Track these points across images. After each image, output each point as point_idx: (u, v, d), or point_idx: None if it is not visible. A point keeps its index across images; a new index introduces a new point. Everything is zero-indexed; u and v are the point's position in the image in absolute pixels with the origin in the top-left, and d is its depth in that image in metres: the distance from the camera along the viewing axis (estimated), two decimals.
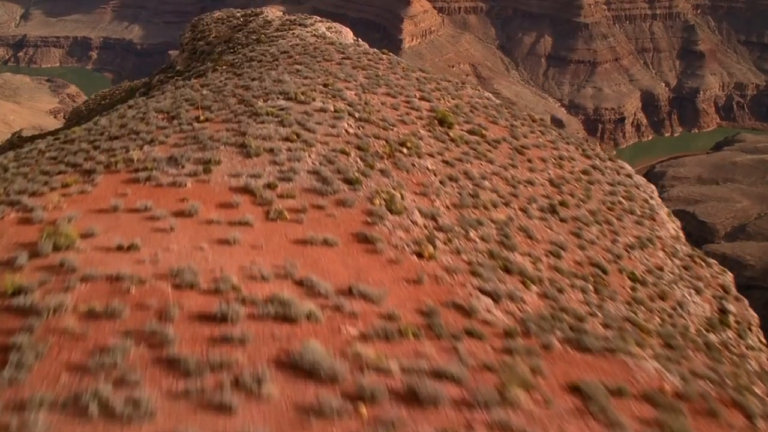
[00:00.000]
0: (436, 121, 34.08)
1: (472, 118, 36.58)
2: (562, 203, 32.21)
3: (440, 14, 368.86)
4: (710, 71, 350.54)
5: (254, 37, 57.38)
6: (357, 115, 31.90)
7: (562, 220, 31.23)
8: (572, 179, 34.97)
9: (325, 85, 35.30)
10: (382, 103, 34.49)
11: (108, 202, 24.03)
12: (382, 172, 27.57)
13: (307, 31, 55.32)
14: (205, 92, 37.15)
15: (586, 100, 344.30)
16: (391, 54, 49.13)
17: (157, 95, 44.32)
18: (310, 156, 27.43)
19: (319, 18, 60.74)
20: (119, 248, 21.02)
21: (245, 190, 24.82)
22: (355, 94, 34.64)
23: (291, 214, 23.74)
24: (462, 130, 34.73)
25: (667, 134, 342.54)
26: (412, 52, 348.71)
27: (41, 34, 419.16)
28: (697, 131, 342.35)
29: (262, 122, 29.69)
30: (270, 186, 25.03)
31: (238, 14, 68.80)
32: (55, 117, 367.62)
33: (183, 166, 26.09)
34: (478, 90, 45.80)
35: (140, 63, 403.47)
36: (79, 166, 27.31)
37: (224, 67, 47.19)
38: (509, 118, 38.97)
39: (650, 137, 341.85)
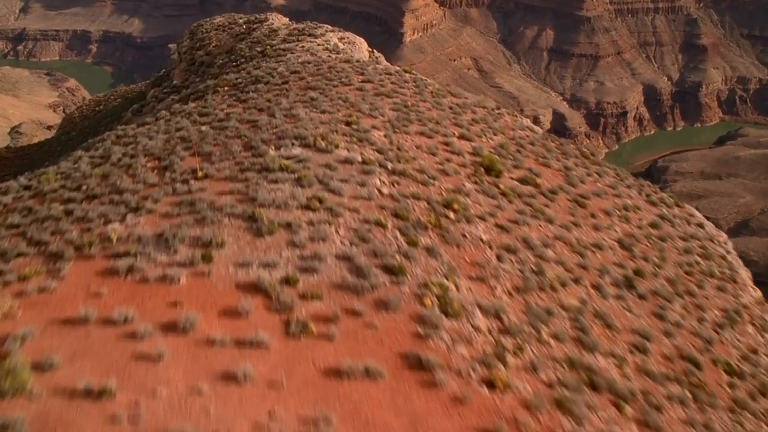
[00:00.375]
0: (482, 169, 27.91)
1: (521, 161, 30.38)
2: (638, 272, 26.15)
3: (441, 7, 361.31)
4: (713, 65, 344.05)
5: (259, 49, 51.07)
6: (390, 166, 25.73)
7: (641, 297, 25.17)
8: (642, 237, 28.87)
9: (347, 123, 29.05)
10: (416, 147, 28.27)
11: (76, 309, 17.90)
12: (429, 251, 21.44)
13: (318, 43, 49.00)
14: (203, 128, 30.92)
15: (588, 94, 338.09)
16: (415, 73, 42.87)
17: (149, 123, 38.06)
18: (337, 231, 21.28)
19: (329, 27, 54.32)
20: (87, 393, 14.98)
21: (257, 287, 18.69)
22: (384, 136, 28.42)
23: (318, 326, 17.64)
24: (512, 178, 28.57)
25: (669, 128, 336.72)
26: (413, 45, 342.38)
27: (40, 28, 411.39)
28: (699, 125, 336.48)
29: (275, 181, 23.51)
30: (289, 281, 18.91)
31: (241, 21, 62.29)
32: (54, 111, 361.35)
33: (176, 251, 19.94)
34: (516, 117, 39.60)
35: (140, 56, 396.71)
36: (45, 245, 21.13)
37: (226, 88, 40.95)
38: (560, 157, 32.80)
39: (652, 131, 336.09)
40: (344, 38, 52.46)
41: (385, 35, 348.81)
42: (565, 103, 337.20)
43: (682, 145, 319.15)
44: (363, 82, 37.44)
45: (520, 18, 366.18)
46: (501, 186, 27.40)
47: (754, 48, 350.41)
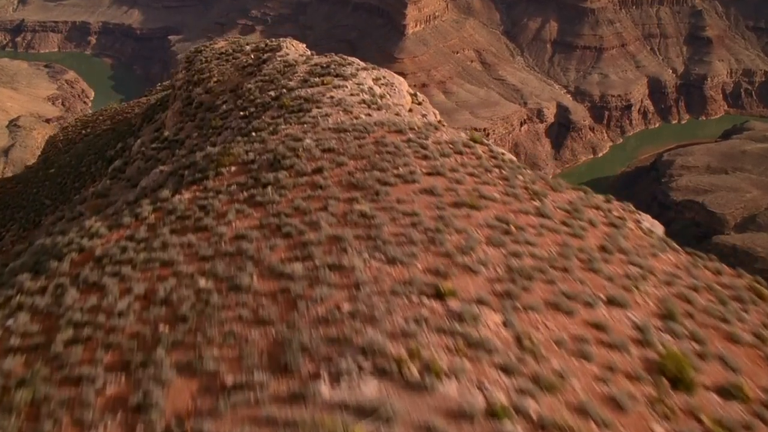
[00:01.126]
0: (665, 382, 16.22)
1: (701, 338, 18.57)
2: None
3: None
4: (718, 57, 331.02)
5: (273, 93, 39.02)
6: (532, 409, 14.00)
7: None
8: None
9: (437, 296, 17.23)
10: (557, 343, 16.44)
11: None
12: None
13: (349, 90, 36.96)
14: (201, 283, 19.16)
15: (593, 86, 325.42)
16: (487, 142, 31.02)
17: (126, 225, 26.33)
18: None
19: (359, 63, 42.10)
20: None
21: None
22: (504, 324, 16.62)
23: None
24: (707, 387, 16.88)
25: (674, 121, 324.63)
26: (416, 38, 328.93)
27: (39, 19, 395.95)
28: (704, 118, 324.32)
29: None
30: None
31: (248, 47, 49.80)
32: (53, 104, 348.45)
33: None
34: (635, 214, 27.88)
35: (140, 48, 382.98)
36: None
37: (233, 168, 29.14)
38: (740, 312, 21.16)
39: (657, 124, 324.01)
40: (380, 79, 40.35)
41: (387, 27, 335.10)
42: (569, 95, 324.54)
43: (687, 138, 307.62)
44: (430, 174, 25.52)
45: (523, 9, 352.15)
46: (703, 418, 15.67)
47: (760, 40, 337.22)
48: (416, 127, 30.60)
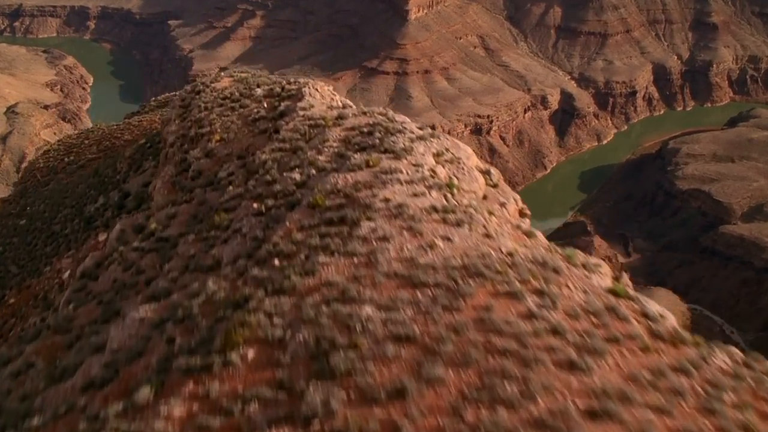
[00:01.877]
0: None
1: None
2: None
3: None
4: (723, 44, 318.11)
5: (297, 177, 27.53)
6: None
7: None
8: None
9: None
10: None
11: None
12: None
13: (408, 182, 25.52)
14: None
15: (597, 73, 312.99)
16: (631, 294, 19.80)
17: None
18: None
19: (413, 129, 30.38)
20: None
21: None
22: None
23: None
24: None
25: (679, 108, 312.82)
26: (418, 23, 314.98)
27: (38, 3, 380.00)
28: (709, 105, 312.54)
29: None
30: None
31: (259, 90, 37.90)
32: (51, 90, 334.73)
33: None
34: None
35: (139, 33, 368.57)
36: None
37: (250, 353, 18.14)
38: None
39: (662, 111, 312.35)
40: (442, 153, 28.84)
41: (390, 12, 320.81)
42: (573, 82, 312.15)
43: (692, 125, 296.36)
44: (593, 418, 14.42)
45: None
46: None
47: (766, 26, 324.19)
48: (531, 278, 19.31)
